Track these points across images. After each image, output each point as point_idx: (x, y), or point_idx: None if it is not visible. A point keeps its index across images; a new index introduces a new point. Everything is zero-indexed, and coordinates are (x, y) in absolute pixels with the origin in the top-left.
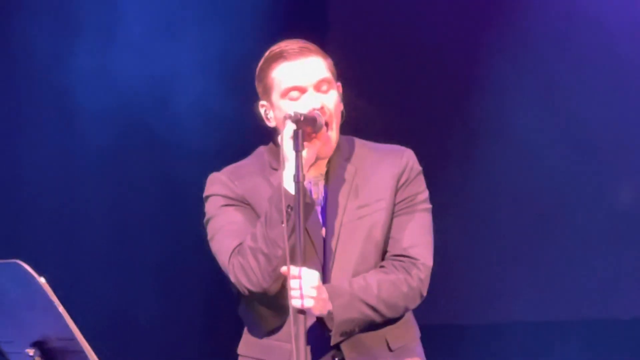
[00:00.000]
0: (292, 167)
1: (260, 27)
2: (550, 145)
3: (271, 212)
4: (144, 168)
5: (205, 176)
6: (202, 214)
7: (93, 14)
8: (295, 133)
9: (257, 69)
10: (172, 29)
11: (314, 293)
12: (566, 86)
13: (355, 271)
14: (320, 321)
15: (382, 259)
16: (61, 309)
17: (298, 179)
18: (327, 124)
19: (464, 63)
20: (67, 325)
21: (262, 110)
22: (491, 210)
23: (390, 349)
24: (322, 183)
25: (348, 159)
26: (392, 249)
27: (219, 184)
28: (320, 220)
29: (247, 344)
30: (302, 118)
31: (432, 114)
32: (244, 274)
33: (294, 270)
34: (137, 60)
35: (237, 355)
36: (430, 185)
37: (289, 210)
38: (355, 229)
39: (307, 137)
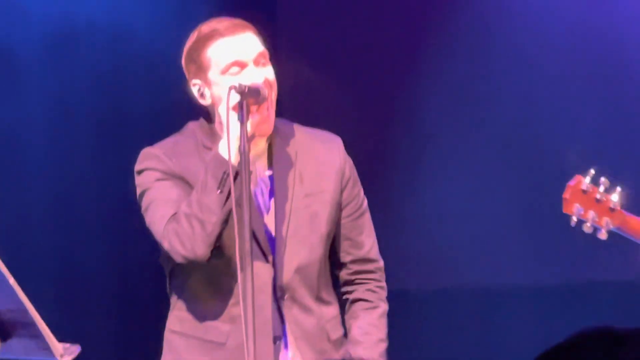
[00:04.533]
0: (232, 137)
1: None
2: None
3: (206, 178)
4: None
5: None
6: None
7: None
8: (240, 104)
9: (187, 49)
10: None
11: None
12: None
13: (302, 262)
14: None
15: (328, 252)
16: (12, 280)
17: (243, 150)
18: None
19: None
20: (18, 297)
21: (194, 89)
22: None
23: (329, 340)
24: (260, 162)
25: (287, 142)
26: (353, 252)
27: (154, 159)
28: (267, 202)
29: (181, 320)
30: (246, 90)
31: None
32: (178, 240)
33: None
34: None
35: (159, 332)
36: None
37: (225, 177)
38: (302, 218)
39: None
